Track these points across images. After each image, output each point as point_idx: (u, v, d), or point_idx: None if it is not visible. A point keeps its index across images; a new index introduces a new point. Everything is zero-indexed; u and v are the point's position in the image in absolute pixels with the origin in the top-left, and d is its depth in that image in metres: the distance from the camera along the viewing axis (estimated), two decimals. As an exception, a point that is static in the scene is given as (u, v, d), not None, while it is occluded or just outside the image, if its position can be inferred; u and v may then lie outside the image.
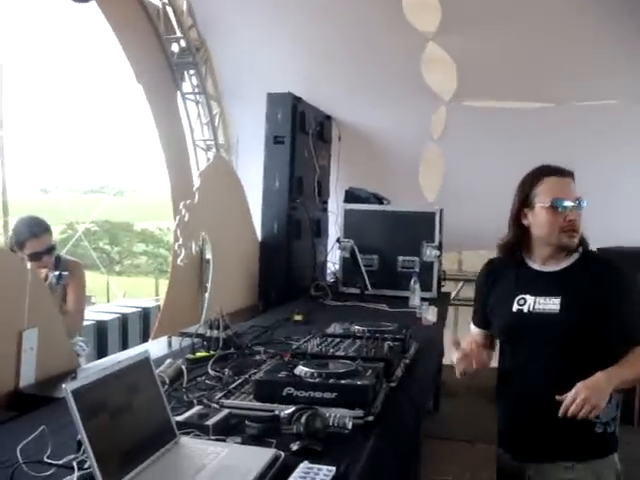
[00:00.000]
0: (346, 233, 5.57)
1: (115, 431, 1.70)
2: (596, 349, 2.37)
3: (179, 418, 2.12)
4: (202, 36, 6.58)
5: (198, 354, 3.15)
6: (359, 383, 2.28)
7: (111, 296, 21.55)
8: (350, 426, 2.14)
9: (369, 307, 4.89)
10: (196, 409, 2.24)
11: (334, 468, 1.79)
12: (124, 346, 10.30)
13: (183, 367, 2.82)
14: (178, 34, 6.62)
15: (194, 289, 6.96)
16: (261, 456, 1.84)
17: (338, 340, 3.06)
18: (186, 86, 7.10)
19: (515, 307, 2.50)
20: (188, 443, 1.94)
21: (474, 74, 5.52)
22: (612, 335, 2.37)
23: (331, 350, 2.88)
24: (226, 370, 2.81)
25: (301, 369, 2.40)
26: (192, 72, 7.01)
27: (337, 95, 6.25)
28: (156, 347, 3.57)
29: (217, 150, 7.62)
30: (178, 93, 6.99)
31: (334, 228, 6.19)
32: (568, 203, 2.40)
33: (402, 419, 2.55)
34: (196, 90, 7.19)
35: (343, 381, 2.29)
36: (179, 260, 4.10)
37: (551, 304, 2.42)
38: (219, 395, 2.42)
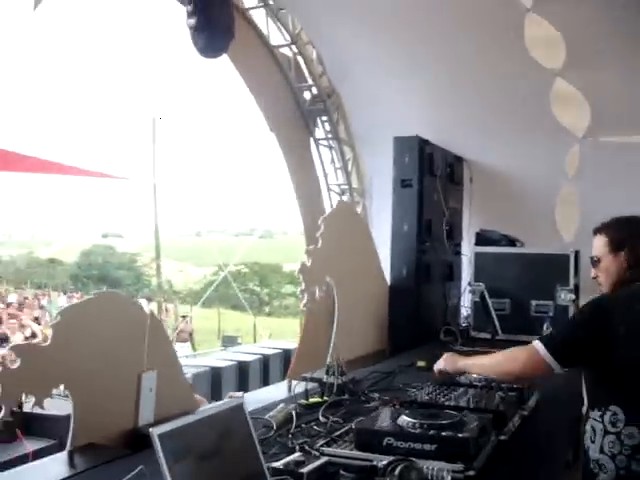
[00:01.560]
0: (477, 276, 5.43)
1: (201, 476, 1.73)
2: None
3: (275, 464, 2.13)
4: (332, 83, 6.73)
5: (312, 400, 3.16)
6: (460, 436, 2.19)
7: (258, 337, 22.15)
8: (449, 480, 2.06)
9: (498, 353, 4.70)
10: (295, 455, 2.23)
11: (421, 525, 1.72)
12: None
13: (293, 412, 2.85)
14: (309, 82, 6.82)
15: (327, 332, 7.01)
16: (347, 508, 1.81)
17: (452, 388, 2.96)
18: (319, 132, 7.28)
19: None
20: (279, 490, 1.94)
21: (608, 108, 5.25)
22: None
23: (441, 399, 2.79)
24: (332, 417, 2.79)
25: (404, 419, 2.35)
26: (324, 118, 7.18)
27: (468, 136, 6.16)
28: (275, 391, 3.62)
29: (351, 195, 7.74)
30: (311, 139, 7.18)
31: (467, 271, 6.04)
32: None
33: (513, 474, 2.42)
34: (329, 136, 7.36)
35: (444, 433, 2.21)
36: (302, 305, 4.16)
37: None
38: (321, 442, 2.41)
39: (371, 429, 2.32)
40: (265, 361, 11.41)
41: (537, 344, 2.46)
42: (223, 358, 11.48)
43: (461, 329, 5.46)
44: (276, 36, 6.47)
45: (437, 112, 6.10)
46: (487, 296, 5.12)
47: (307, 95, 7.00)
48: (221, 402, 1.98)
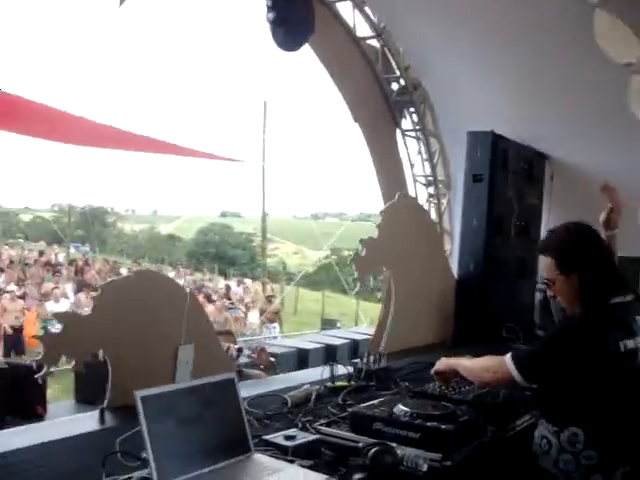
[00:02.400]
0: (547, 275, 5.37)
1: (179, 437, 1.95)
2: None
3: (267, 437, 2.32)
4: (417, 76, 6.78)
5: (338, 383, 3.32)
6: (443, 427, 2.29)
7: (359, 322, 22.31)
8: (425, 468, 2.16)
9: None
10: (290, 431, 2.41)
11: (371, 503, 1.86)
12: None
13: (313, 393, 3.03)
14: (397, 73, 6.90)
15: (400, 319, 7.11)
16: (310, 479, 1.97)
17: (468, 383, 3.03)
18: (405, 123, 7.35)
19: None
20: (259, 459, 2.12)
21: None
22: None
23: (452, 393, 2.88)
24: (349, 401, 2.94)
25: (399, 407, 2.47)
26: (412, 110, 7.24)
27: (551, 133, 6.04)
28: (314, 372, 3.78)
29: (436, 186, 7.77)
30: (397, 130, 7.26)
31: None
32: None
33: (499, 471, 2.50)
34: (416, 127, 7.41)
35: (429, 423, 2.32)
36: (353, 292, 4.32)
37: None
38: (321, 422, 2.57)
39: (363, 413, 2.46)
40: (354, 345, 11.58)
41: (507, 357, 2.46)
42: (313, 340, 11.77)
43: (526, 327, 5.42)
44: (363, 28, 6.59)
45: (521, 109, 6.02)
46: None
47: (394, 86, 7.07)
48: (215, 376, 2.17)
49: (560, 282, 2.53)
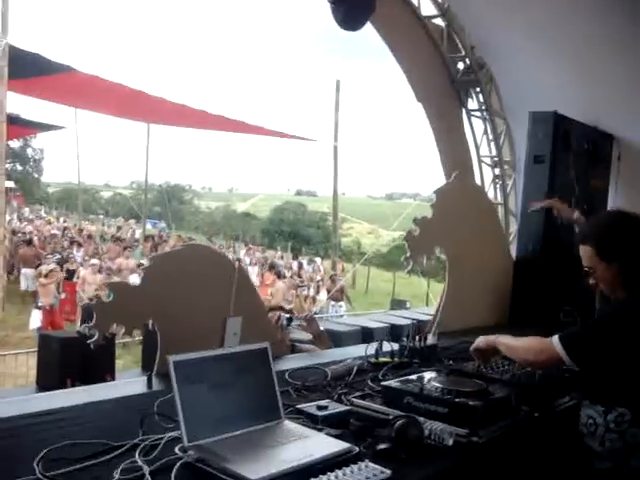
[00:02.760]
0: (608, 259, 5.26)
1: (210, 401, 2.05)
2: None
3: (300, 406, 2.41)
4: (482, 56, 6.69)
5: (381, 359, 3.38)
6: (471, 403, 2.33)
7: (430, 303, 22.18)
8: (450, 442, 2.20)
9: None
10: (324, 401, 2.49)
11: (389, 472, 1.92)
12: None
13: (354, 367, 3.11)
14: (462, 53, 6.82)
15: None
16: (334, 447, 2.05)
17: (508, 363, 3.05)
18: (471, 103, 7.26)
19: None
20: (288, 426, 2.21)
21: None
22: None
23: (489, 372, 2.90)
24: (389, 376, 3.00)
25: (432, 383, 2.52)
26: (477, 89, 7.15)
27: (618, 114, 5.89)
28: (363, 348, 3.84)
29: (502, 167, 7.67)
30: (463, 110, 7.19)
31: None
32: None
33: (529, 449, 2.52)
34: (482, 107, 7.32)
35: (458, 399, 2.36)
36: (405, 271, 4.35)
37: None
38: (356, 394, 2.65)
39: (395, 387, 2.52)
40: (418, 325, 11.55)
41: (554, 338, 2.47)
42: (378, 320, 11.78)
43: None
44: (427, 7, 6.53)
45: (587, 89, 5.89)
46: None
47: (460, 66, 7.00)
48: (249, 345, 2.26)
49: (601, 270, 2.55)
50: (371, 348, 3.48)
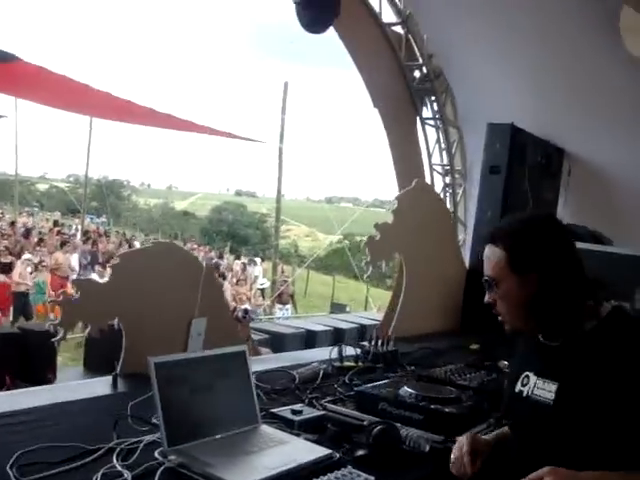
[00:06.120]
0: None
1: (190, 404, 2.01)
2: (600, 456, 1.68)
3: (275, 410, 2.39)
4: (440, 65, 6.78)
5: (346, 363, 3.38)
6: (447, 410, 2.34)
7: (369, 308, 22.36)
8: (427, 449, 2.21)
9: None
10: (297, 406, 2.47)
11: (373, 478, 1.92)
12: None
13: (321, 371, 3.10)
14: (420, 61, 6.89)
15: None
16: (314, 453, 2.03)
17: (474, 370, 3.09)
18: (426, 112, 7.34)
19: (518, 387, 1.95)
20: (265, 430, 2.18)
21: None
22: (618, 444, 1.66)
23: (458, 379, 2.93)
24: (355, 380, 3.00)
25: (405, 389, 2.53)
26: (432, 98, 7.24)
27: (570, 128, 6.05)
28: (323, 352, 3.83)
29: (453, 176, 7.78)
30: (417, 118, 7.27)
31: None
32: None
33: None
34: (436, 116, 7.41)
35: (433, 406, 2.37)
36: (365, 276, 4.36)
37: (546, 390, 1.82)
38: (328, 399, 2.63)
39: (369, 393, 2.52)
40: (362, 330, 11.65)
41: None
42: (322, 323, 11.85)
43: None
44: (388, 14, 6.59)
45: (541, 102, 6.02)
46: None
47: (416, 74, 7.07)
48: (227, 348, 2.22)
49: (509, 285, 1.87)
50: (334, 352, 3.47)
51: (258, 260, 21.67)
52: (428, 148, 7.62)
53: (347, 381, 3.03)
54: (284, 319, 13.67)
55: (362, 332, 11.54)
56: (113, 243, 20.67)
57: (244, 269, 17.85)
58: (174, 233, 36.57)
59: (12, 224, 19.69)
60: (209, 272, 3.28)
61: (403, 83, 6.95)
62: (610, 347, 1.73)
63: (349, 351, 3.63)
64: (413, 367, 3.45)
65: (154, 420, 2.17)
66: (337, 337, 10.97)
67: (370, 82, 6.56)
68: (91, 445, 1.96)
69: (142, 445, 1.98)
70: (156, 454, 1.91)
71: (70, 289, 13.86)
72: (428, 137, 7.57)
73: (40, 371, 7.68)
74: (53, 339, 2.71)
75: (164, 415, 1.91)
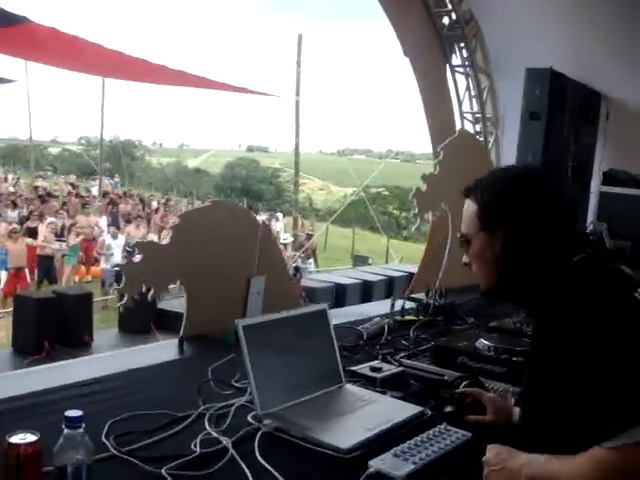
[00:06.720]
0: (600, 216, 5.30)
1: (279, 366, 1.97)
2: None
3: (354, 368, 2.35)
4: (471, 10, 6.59)
5: (407, 317, 3.33)
6: (530, 362, 2.29)
7: (390, 260, 22.31)
8: (512, 402, 2.17)
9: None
10: (375, 362, 2.43)
11: (470, 434, 1.88)
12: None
13: (386, 326, 3.05)
14: (449, 7, 6.70)
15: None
16: (407, 411, 1.99)
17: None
18: (455, 59, 7.18)
19: None
20: (351, 389, 2.15)
21: None
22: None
23: (527, 330, 2.88)
24: (421, 334, 2.95)
25: (482, 342, 2.48)
26: (462, 45, 7.06)
27: (608, 72, 5.89)
28: (378, 306, 3.79)
29: (484, 123, 7.63)
30: (447, 65, 7.10)
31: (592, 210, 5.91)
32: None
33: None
34: (466, 63, 7.24)
35: (515, 358, 2.32)
36: (413, 228, 4.30)
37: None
38: (402, 354, 2.59)
39: (447, 347, 2.47)
40: (390, 282, 11.59)
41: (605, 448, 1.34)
42: (349, 276, 11.79)
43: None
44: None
45: (576, 45, 5.85)
46: (606, 237, 5.00)
47: (445, 20, 6.89)
48: (306, 307, 2.18)
49: (480, 242, 1.66)
50: (397, 304, 3.42)
51: (280, 215, 21.61)
52: (458, 96, 7.48)
53: (412, 335, 2.99)
54: (308, 273, 13.64)
55: (390, 284, 11.48)
56: (130, 204, 20.64)
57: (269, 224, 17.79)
58: (188, 191, 36.47)
59: (35, 188, 19.71)
60: (266, 230, 3.22)
61: (433, 30, 6.77)
62: (558, 309, 1.46)
63: (403, 304, 3.59)
64: (472, 318, 3.42)
65: (234, 383, 2.15)
66: (366, 290, 10.96)
67: (400, 30, 6.40)
68: (179, 411, 1.92)
69: (233, 410, 1.94)
70: (249, 419, 1.87)
71: (96, 250, 13.97)
72: (458, 85, 7.42)
73: (76, 334, 7.74)
74: (117, 304, 2.67)
75: (255, 378, 1.87)
